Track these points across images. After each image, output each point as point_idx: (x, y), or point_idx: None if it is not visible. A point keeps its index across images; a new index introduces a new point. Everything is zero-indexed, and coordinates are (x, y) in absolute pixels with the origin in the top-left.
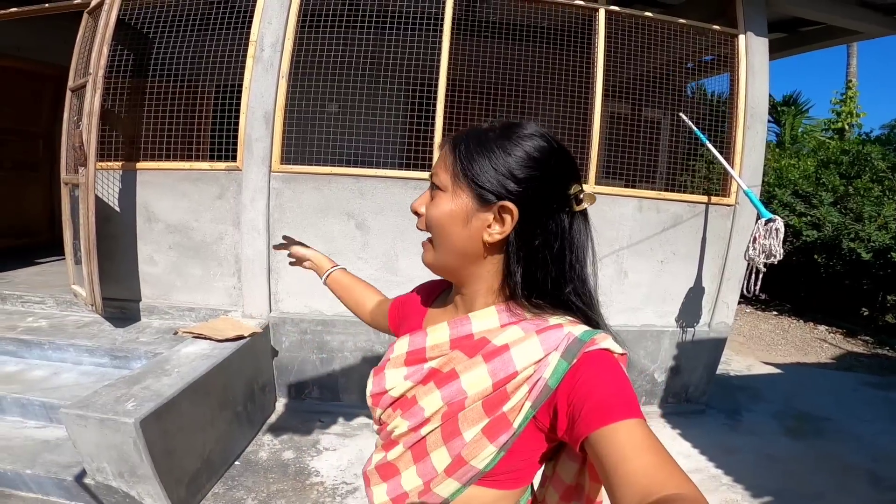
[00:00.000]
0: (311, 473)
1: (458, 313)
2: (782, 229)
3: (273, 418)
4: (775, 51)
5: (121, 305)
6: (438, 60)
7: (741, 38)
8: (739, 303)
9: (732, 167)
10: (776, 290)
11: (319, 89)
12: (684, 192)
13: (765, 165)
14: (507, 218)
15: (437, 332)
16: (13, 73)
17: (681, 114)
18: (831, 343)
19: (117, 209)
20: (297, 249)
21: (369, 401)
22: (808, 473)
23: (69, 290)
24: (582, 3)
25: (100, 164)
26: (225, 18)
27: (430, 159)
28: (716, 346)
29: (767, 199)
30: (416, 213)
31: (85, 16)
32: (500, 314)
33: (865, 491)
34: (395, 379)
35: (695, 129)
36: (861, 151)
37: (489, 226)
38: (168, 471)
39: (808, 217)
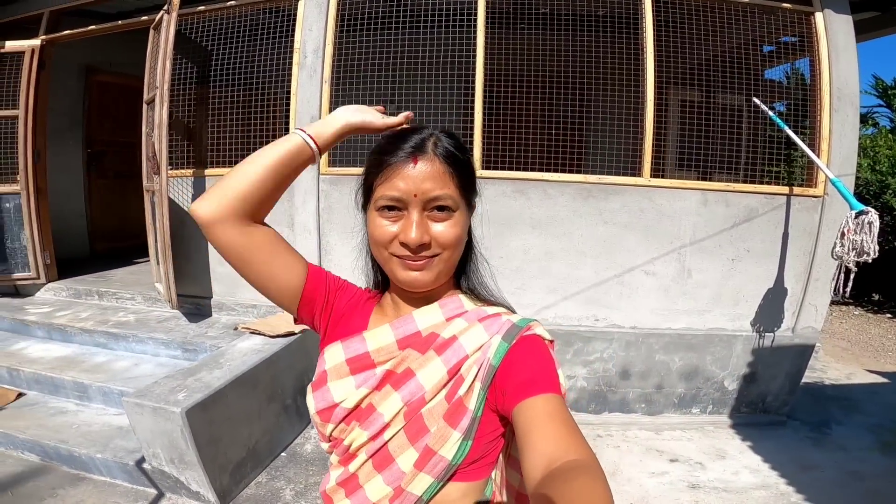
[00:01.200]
0: None
1: (397, 313)
2: (876, 223)
3: None
4: (869, 30)
5: (196, 302)
6: (474, 55)
7: (818, 15)
8: (846, 304)
9: (818, 154)
10: (891, 289)
11: (360, 91)
12: (760, 182)
13: (877, 152)
14: (471, 214)
15: (379, 336)
16: (109, 88)
17: (754, 98)
18: None
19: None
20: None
21: (317, 418)
22: None
23: (154, 288)
24: None
25: (172, 171)
26: (274, 27)
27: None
28: (801, 354)
29: (880, 188)
30: (422, 245)
31: (151, 32)
32: (443, 308)
33: None
34: (344, 390)
35: (770, 113)
36: None
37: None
38: (212, 458)
39: None
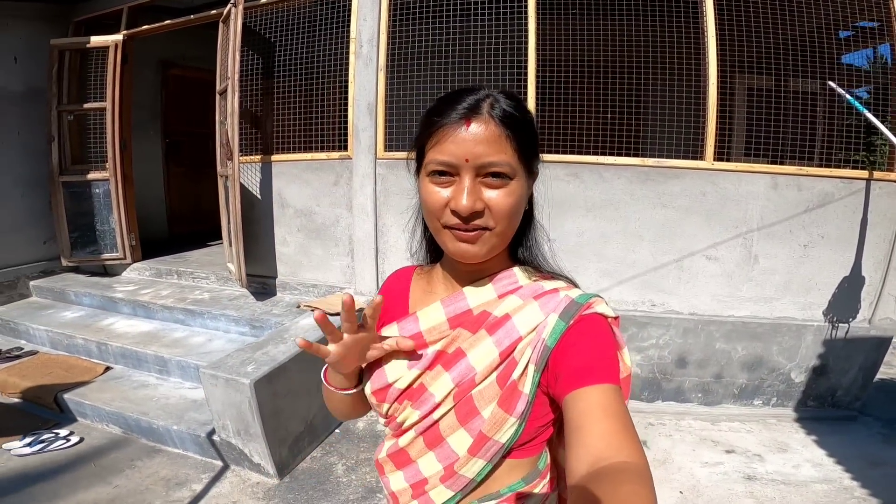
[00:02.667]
0: None
1: (450, 289)
2: None
3: None
4: None
5: (262, 281)
6: (526, 40)
7: None
8: None
9: None
10: None
11: (414, 78)
12: (835, 166)
13: None
14: (532, 182)
15: (431, 314)
16: (183, 81)
17: (830, 83)
18: None
19: (259, 196)
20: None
21: (373, 399)
22: None
23: (226, 268)
24: None
25: (243, 158)
26: (331, 18)
27: None
28: (877, 346)
29: None
30: (474, 212)
31: (220, 25)
32: (495, 284)
33: None
34: (397, 371)
35: (848, 97)
36: None
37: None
38: (274, 431)
39: None
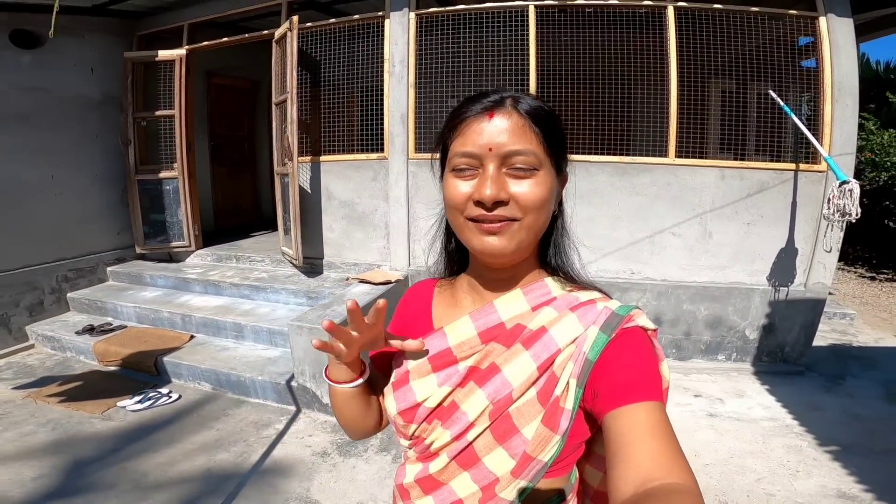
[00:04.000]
0: None
1: (478, 302)
2: (856, 190)
3: None
4: (884, 27)
5: (311, 262)
6: (528, 55)
7: (822, 19)
8: None
9: (822, 137)
10: None
11: (436, 91)
12: (770, 160)
13: None
14: (562, 186)
15: (460, 329)
16: (224, 89)
17: (770, 91)
18: None
19: (309, 191)
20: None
21: (399, 420)
22: (889, 433)
23: (279, 252)
24: (650, 2)
25: (298, 159)
26: (368, 38)
27: None
28: (813, 307)
29: None
30: (498, 202)
31: (274, 45)
32: (528, 296)
33: None
34: (427, 389)
35: (782, 104)
36: None
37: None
38: None
39: None
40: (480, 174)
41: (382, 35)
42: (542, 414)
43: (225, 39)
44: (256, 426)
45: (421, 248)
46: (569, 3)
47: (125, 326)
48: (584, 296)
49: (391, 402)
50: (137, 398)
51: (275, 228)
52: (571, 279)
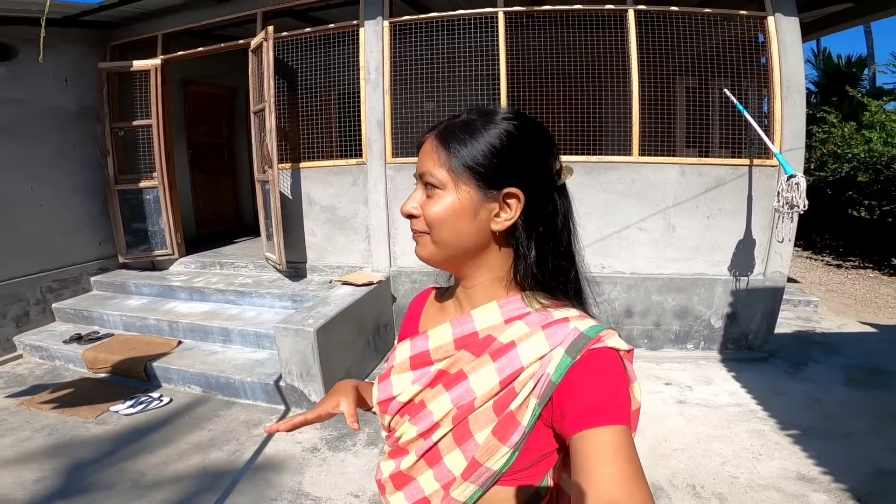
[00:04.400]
0: None
1: (459, 311)
2: (803, 184)
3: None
4: (839, 22)
5: (294, 266)
6: (498, 60)
7: (770, 19)
8: (864, 268)
9: (773, 133)
10: None
11: (411, 96)
12: (727, 157)
13: (891, 127)
14: (514, 203)
15: (440, 333)
16: (201, 97)
17: (725, 90)
18: None
19: (290, 197)
20: (322, 409)
21: (377, 409)
22: (848, 417)
23: (262, 258)
24: (611, 6)
25: (278, 166)
26: (344, 47)
27: None
28: (772, 295)
29: (892, 158)
30: (410, 215)
31: (250, 54)
32: (502, 308)
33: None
34: (402, 384)
35: (736, 102)
36: None
37: (496, 214)
38: (328, 371)
39: None
40: None
41: (358, 43)
42: (494, 424)
43: (201, 49)
44: (247, 425)
45: (401, 249)
46: (536, 8)
47: (112, 334)
48: (559, 314)
49: (374, 391)
50: (130, 402)
51: (257, 234)
52: (551, 295)
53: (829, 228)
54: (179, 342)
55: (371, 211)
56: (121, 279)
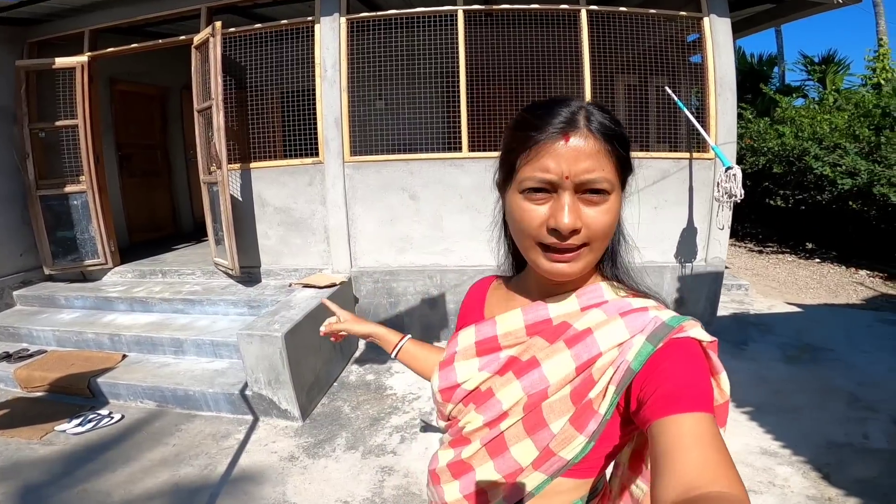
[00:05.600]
0: (387, 388)
1: (530, 297)
2: (739, 175)
3: (357, 353)
4: (759, 24)
5: (248, 271)
6: (457, 58)
7: (706, 20)
8: (782, 252)
9: (708, 128)
10: (820, 239)
11: (369, 94)
12: (670, 150)
13: (800, 122)
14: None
15: (510, 319)
16: (130, 96)
17: (665, 87)
18: (868, 286)
19: (240, 198)
20: (352, 326)
21: (438, 397)
22: (793, 392)
23: (210, 263)
24: (566, 6)
25: (227, 166)
26: (298, 44)
27: (460, 140)
28: (714, 279)
29: (801, 152)
30: (574, 231)
31: (193, 50)
32: (579, 298)
33: (840, 409)
34: (467, 371)
35: (676, 98)
36: (888, 104)
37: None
38: (297, 378)
39: (842, 166)
40: (555, 199)
41: (313, 40)
42: (571, 412)
43: (135, 46)
44: (215, 438)
45: (361, 249)
46: (494, 7)
47: (45, 351)
48: (637, 303)
49: (435, 378)
50: (77, 421)
51: (197, 240)
52: (627, 286)
53: (749, 217)
54: (124, 356)
55: (330, 211)
56: (48, 292)
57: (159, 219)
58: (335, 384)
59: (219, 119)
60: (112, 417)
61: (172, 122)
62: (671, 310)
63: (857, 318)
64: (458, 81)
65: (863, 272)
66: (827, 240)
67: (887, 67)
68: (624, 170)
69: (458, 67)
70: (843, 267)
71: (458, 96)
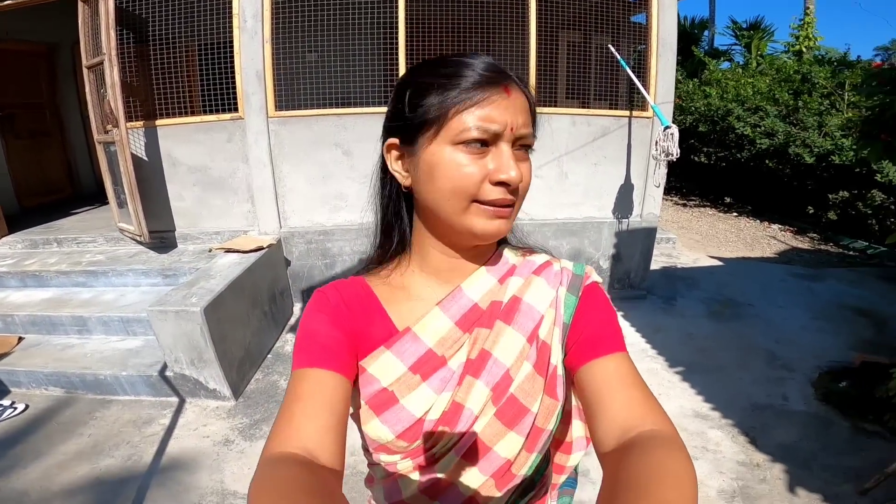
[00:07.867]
0: None
1: (436, 289)
2: (676, 134)
3: (292, 320)
4: None
5: (160, 236)
6: (396, 5)
7: None
8: (703, 206)
9: (648, 87)
10: (738, 193)
11: (298, 47)
12: (610, 108)
13: (725, 84)
14: None
15: (433, 324)
16: (11, 55)
17: (609, 46)
18: (780, 240)
19: (146, 158)
20: None
21: (397, 444)
22: (718, 350)
23: (114, 229)
24: None
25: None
26: None
27: None
28: (648, 235)
29: (726, 112)
30: (511, 183)
31: (80, 3)
32: (491, 270)
33: (759, 367)
34: (423, 400)
35: (619, 58)
36: (808, 71)
37: None
38: (224, 355)
39: (761, 127)
40: (493, 153)
41: None
42: (543, 384)
43: (10, 2)
44: (136, 425)
45: (291, 208)
46: None
47: None
48: (538, 258)
49: (381, 430)
50: None
51: (100, 203)
52: (518, 244)
53: (675, 171)
54: (20, 338)
55: (253, 169)
56: None
57: (53, 181)
58: (269, 356)
59: (113, 75)
60: (15, 408)
61: (63, 80)
62: (583, 264)
63: (772, 271)
64: (397, 33)
65: (775, 226)
66: (744, 195)
67: (810, 36)
68: (533, 126)
69: (396, 18)
70: (758, 221)
71: (397, 49)
